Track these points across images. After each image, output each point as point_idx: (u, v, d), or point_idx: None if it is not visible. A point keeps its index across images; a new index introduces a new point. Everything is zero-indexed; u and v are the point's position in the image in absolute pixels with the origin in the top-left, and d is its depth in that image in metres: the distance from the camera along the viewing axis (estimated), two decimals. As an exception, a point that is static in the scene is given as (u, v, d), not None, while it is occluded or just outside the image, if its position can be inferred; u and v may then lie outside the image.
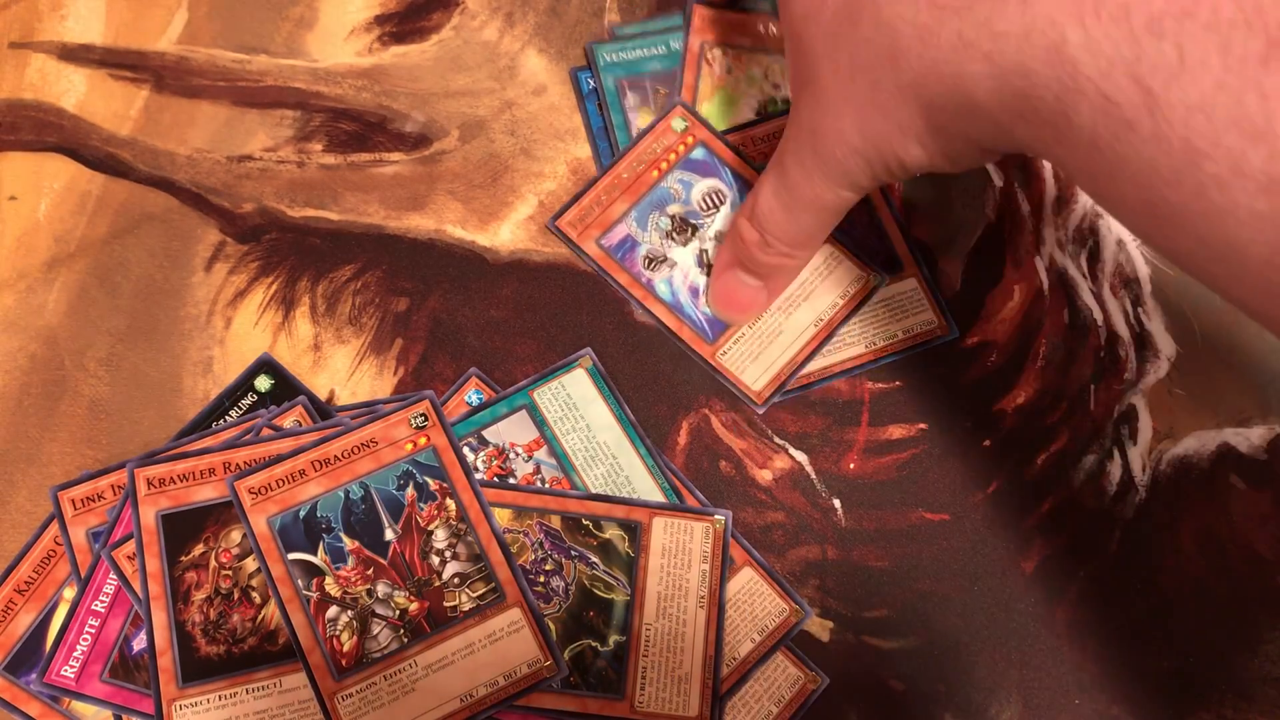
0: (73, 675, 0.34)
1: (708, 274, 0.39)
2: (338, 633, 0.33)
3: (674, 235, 0.39)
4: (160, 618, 0.34)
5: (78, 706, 0.34)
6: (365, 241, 0.40)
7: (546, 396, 0.37)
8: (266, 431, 0.36)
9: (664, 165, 0.39)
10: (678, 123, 0.39)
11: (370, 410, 0.37)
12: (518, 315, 0.39)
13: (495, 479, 0.36)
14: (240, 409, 0.38)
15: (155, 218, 0.41)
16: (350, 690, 0.33)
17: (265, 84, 0.42)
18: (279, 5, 0.43)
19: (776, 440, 0.38)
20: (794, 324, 0.38)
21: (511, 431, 0.37)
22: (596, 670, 0.34)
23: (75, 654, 0.34)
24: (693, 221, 0.39)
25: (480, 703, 0.33)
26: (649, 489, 0.36)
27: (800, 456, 0.38)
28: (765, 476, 0.38)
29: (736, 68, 0.41)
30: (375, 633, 0.34)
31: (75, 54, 0.43)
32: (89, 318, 0.39)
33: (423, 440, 0.36)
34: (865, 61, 0.27)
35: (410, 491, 0.35)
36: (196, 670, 0.33)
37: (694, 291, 0.39)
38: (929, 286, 0.39)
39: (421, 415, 0.36)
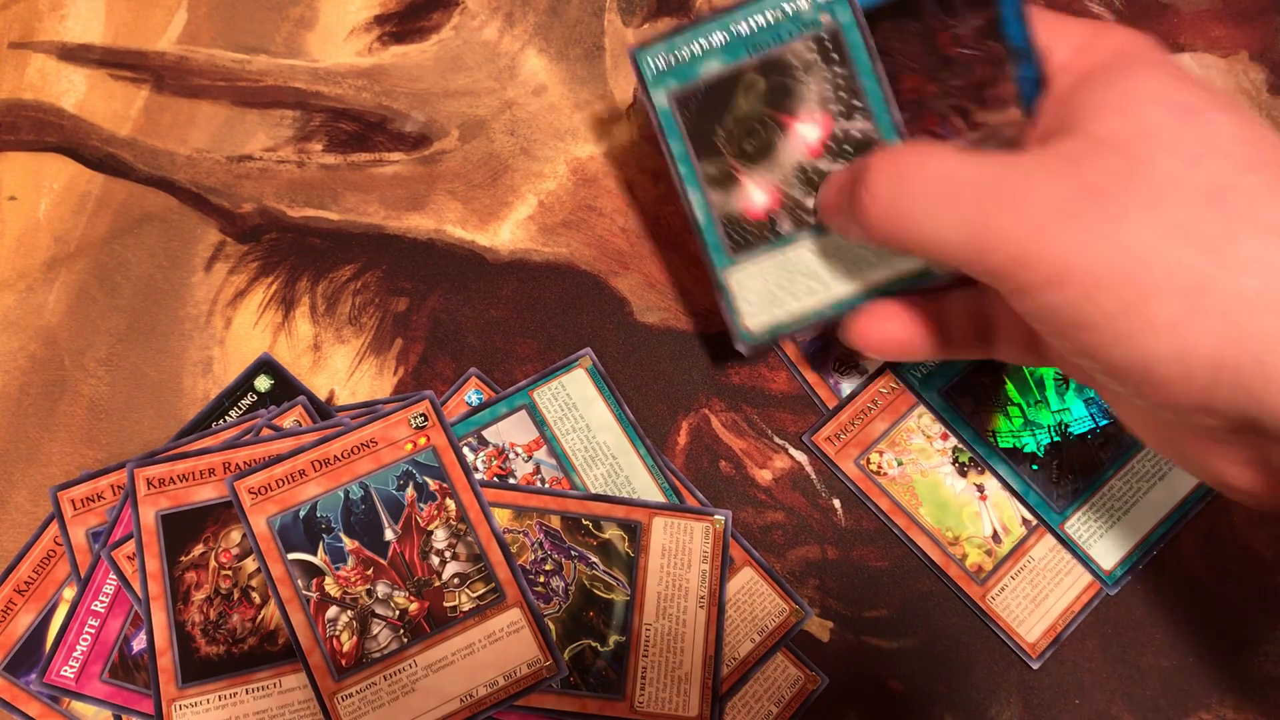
0: (72, 675, 0.34)
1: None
2: (337, 633, 0.33)
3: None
4: (160, 618, 0.34)
5: (77, 706, 0.34)
6: (365, 241, 0.40)
7: (546, 396, 0.37)
8: (266, 431, 0.36)
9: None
10: None
11: (370, 410, 0.37)
12: (518, 315, 0.39)
13: (495, 479, 0.36)
14: (240, 409, 0.38)
15: (155, 218, 0.41)
16: (350, 690, 0.33)
17: (265, 84, 0.42)
18: (279, 5, 0.43)
19: (776, 440, 0.38)
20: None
21: (511, 431, 0.37)
22: (596, 670, 0.34)
23: (75, 654, 0.34)
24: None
25: (480, 703, 0.33)
26: (649, 489, 0.36)
27: (800, 456, 0.38)
28: (765, 476, 0.38)
29: None
30: (375, 633, 0.34)
31: (75, 54, 0.43)
32: (89, 318, 0.39)
33: (422, 440, 0.36)
34: None
35: (410, 491, 0.35)
36: (196, 670, 0.33)
37: None
38: None
39: (421, 415, 0.36)
